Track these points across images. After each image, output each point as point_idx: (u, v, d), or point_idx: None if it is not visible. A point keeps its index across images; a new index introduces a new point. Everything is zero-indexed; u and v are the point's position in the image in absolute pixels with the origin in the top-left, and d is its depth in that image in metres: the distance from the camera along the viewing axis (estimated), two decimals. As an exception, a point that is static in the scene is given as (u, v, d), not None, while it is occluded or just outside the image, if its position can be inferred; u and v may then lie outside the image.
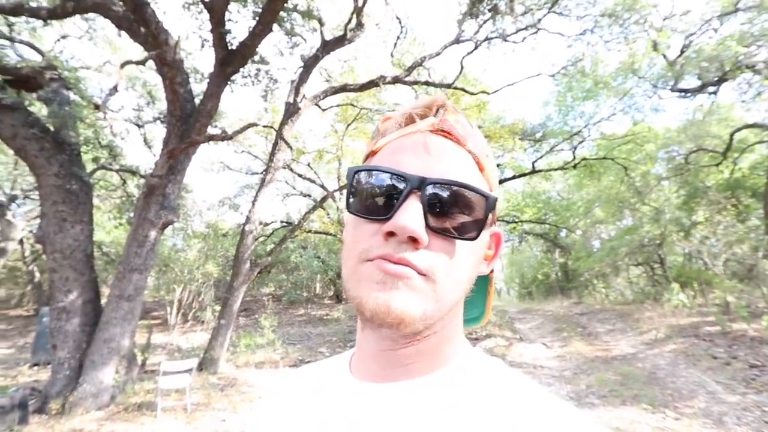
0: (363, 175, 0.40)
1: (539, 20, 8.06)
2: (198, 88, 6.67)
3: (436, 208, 0.37)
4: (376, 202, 0.39)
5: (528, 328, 9.63)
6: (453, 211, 0.37)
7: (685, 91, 9.75)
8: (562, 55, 24.70)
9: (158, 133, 9.99)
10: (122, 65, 4.25)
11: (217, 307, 7.88)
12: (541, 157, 12.51)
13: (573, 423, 0.33)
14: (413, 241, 0.35)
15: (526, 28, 8.16)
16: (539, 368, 6.19)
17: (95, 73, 7.49)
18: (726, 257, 9.36)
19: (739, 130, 9.41)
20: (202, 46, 5.58)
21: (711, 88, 9.35)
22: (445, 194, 0.37)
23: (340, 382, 0.45)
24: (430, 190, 0.37)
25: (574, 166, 11.73)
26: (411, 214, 0.35)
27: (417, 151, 0.40)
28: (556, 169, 12.68)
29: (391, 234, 0.36)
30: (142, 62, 4.54)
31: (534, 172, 11.89)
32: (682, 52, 9.24)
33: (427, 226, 0.36)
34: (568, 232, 17.26)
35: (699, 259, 10.03)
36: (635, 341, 7.41)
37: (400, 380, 0.40)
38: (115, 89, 4.26)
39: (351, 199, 0.41)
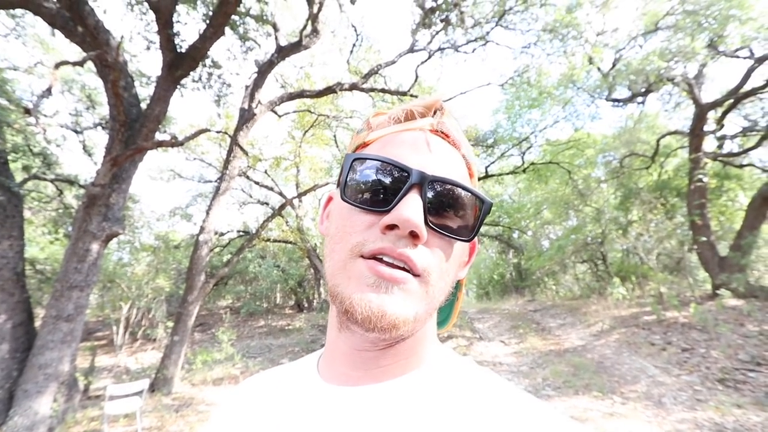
0: (361, 164, 0.39)
1: (487, 33, 8.49)
2: (144, 92, 6.33)
3: (436, 206, 0.36)
4: (374, 193, 0.37)
5: (486, 326, 9.96)
6: (451, 210, 0.37)
7: (618, 100, 10.63)
8: (509, 66, 26.16)
9: (99, 139, 9.32)
10: (57, 66, 3.93)
11: (170, 324, 7.42)
12: (493, 162, 13.10)
13: (545, 419, 0.33)
14: (414, 236, 0.34)
15: (475, 40, 8.56)
16: (498, 365, 6.42)
17: (24, 75, 6.83)
18: (658, 252, 10.26)
19: (663, 136, 10.36)
20: (148, 48, 5.31)
21: (639, 99, 10.27)
22: (445, 193, 0.37)
23: (308, 385, 0.43)
24: (431, 186, 0.36)
25: (524, 170, 12.40)
26: (414, 208, 0.34)
27: (417, 146, 0.39)
28: (507, 173, 13.32)
29: (390, 227, 0.35)
30: (80, 63, 4.21)
31: (487, 176, 12.42)
32: (613, 65, 10.09)
33: (425, 222, 0.35)
34: (520, 233, 18.06)
35: (635, 254, 10.85)
36: (584, 333, 7.82)
37: (372, 383, 0.39)
38: (48, 92, 3.93)
39: (346, 188, 0.39)
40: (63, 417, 4.51)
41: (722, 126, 9.26)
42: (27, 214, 6.50)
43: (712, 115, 9.14)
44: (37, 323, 4.71)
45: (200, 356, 6.75)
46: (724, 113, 9.01)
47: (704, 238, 8.38)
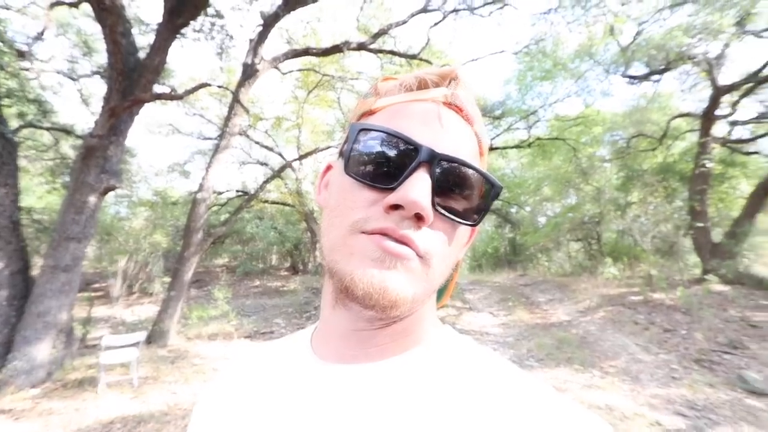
0: (368, 136, 0.36)
1: (506, -5, 8.06)
2: (143, 40, 6.05)
3: (443, 187, 0.34)
4: (378, 168, 0.35)
5: (477, 298, 10.16)
6: (458, 192, 0.35)
7: (633, 77, 10.27)
8: (525, 33, 25.05)
9: (96, 89, 9.03)
10: (51, 6, 3.72)
11: (167, 279, 7.54)
12: (498, 135, 12.86)
13: (541, 397, 0.33)
14: (419, 218, 0.33)
15: (493, 2, 8.13)
16: (485, 335, 6.60)
17: (18, 15, 6.44)
18: (653, 234, 10.33)
19: (674, 118, 10.11)
20: (146, -8, 5.00)
21: (656, 76, 9.92)
22: (455, 173, 0.35)
23: (301, 362, 0.42)
24: (441, 166, 0.34)
25: (529, 145, 12.21)
26: (421, 189, 0.32)
27: (428, 120, 0.37)
28: (512, 147, 13.13)
29: (394, 207, 0.33)
30: (75, 5, 3.99)
31: (491, 149, 12.24)
32: (634, 39, 9.67)
33: (432, 204, 0.33)
34: (519, 208, 18.09)
35: (630, 235, 10.94)
36: (571, 309, 7.97)
37: (368, 361, 0.38)
38: (41, 34, 3.74)
39: (350, 160, 0.36)
40: (61, 363, 4.66)
41: (736, 110, 9.03)
42: (23, 162, 6.40)
43: (727, 99, 8.88)
44: (35, 273, 4.76)
45: (196, 312, 6.90)
46: (741, 97, 8.75)
47: (701, 224, 8.41)
